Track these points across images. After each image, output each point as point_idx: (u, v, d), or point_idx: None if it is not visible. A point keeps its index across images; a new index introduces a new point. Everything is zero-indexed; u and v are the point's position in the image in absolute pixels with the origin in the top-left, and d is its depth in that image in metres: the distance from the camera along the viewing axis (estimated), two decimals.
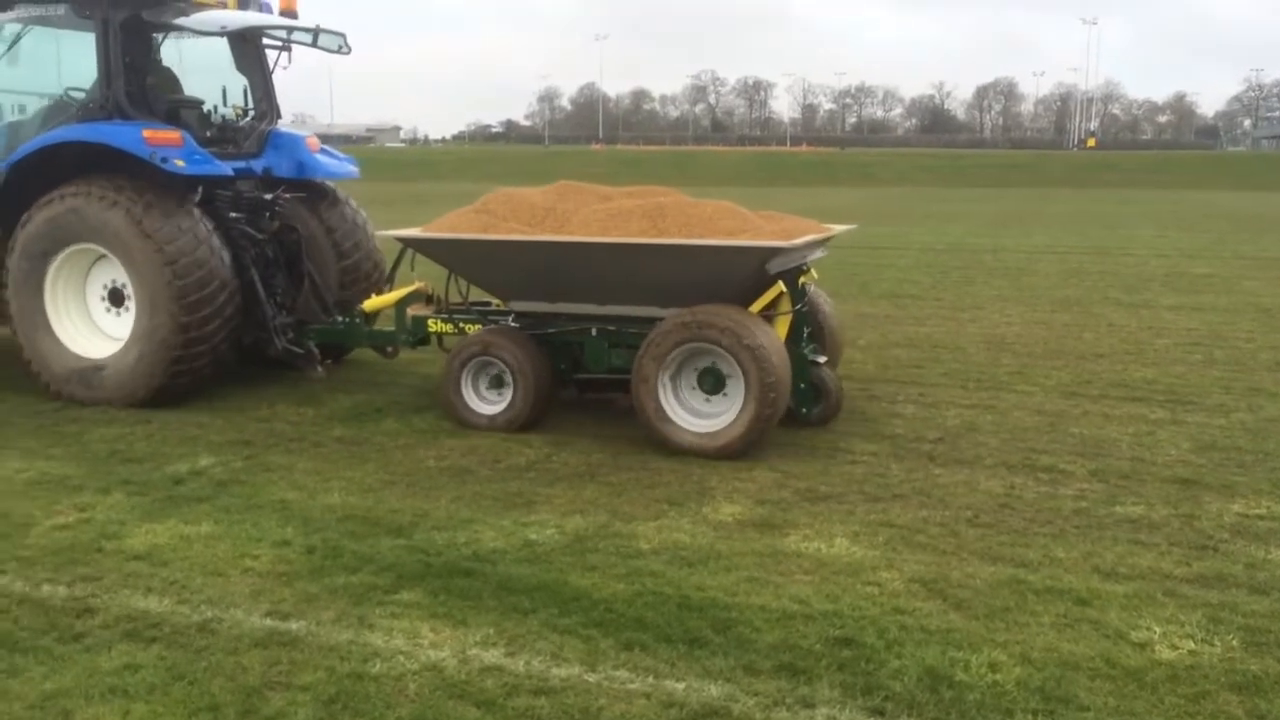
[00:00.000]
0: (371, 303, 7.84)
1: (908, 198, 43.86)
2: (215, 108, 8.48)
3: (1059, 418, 7.30)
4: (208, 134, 8.13)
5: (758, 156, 77.09)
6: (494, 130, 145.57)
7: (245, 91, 8.60)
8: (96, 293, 7.66)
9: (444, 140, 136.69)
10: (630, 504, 5.49)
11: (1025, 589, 4.46)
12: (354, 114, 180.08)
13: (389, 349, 7.95)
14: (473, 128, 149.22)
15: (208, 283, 7.21)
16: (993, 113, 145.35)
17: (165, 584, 4.42)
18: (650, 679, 3.69)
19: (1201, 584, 4.54)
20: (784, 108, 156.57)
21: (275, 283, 7.97)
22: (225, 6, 8.13)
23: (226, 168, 7.58)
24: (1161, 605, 4.32)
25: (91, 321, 7.68)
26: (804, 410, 6.86)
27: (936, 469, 6.14)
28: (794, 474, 6.00)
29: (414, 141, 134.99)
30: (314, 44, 8.35)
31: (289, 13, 8.48)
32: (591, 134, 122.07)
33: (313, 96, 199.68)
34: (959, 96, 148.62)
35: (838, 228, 7.67)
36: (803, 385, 6.78)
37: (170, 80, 8.30)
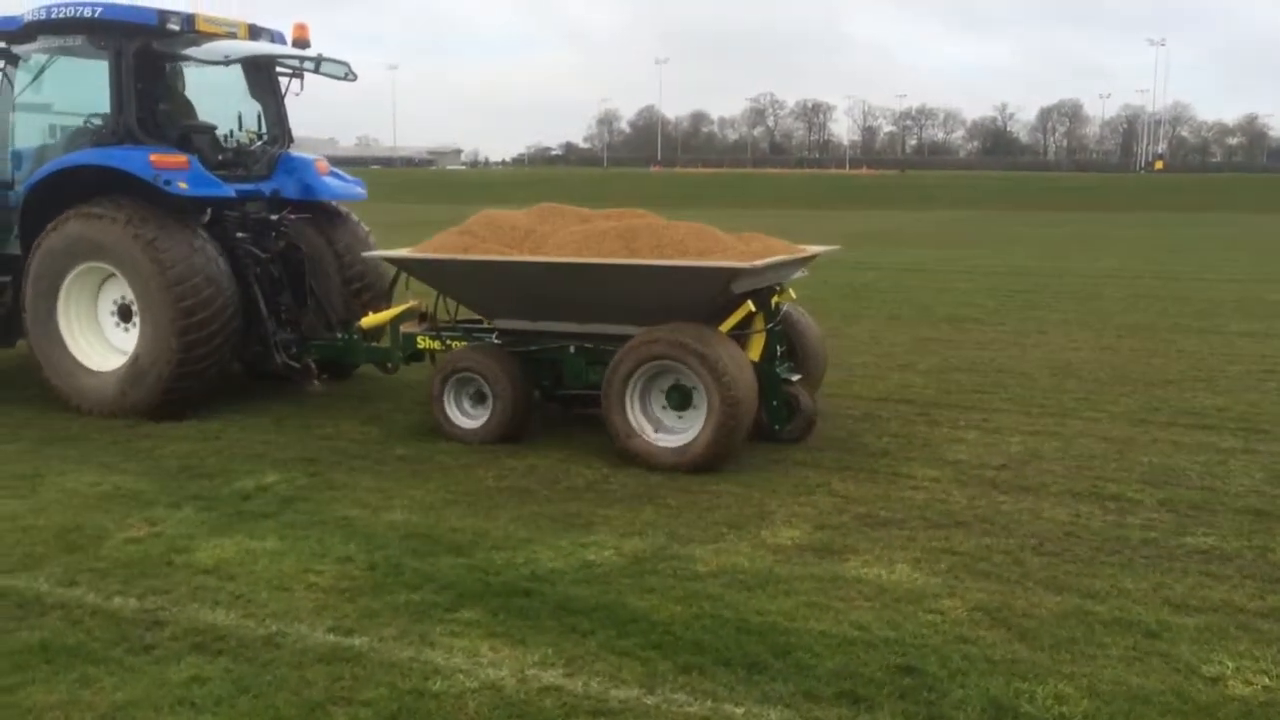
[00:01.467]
0: (368, 320, 8.07)
1: (969, 221, 43.39)
2: (231, 132, 8.81)
3: (1127, 445, 7.15)
4: (220, 158, 8.43)
5: (816, 179, 76.85)
6: (553, 153, 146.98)
7: (259, 117, 8.94)
8: (107, 309, 7.98)
9: (503, 163, 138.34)
10: (688, 526, 5.48)
11: (1092, 620, 4.37)
12: (417, 137, 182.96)
13: (389, 365, 8.16)
14: (532, 150, 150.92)
15: (209, 299, 7.49)
16: (1057, 135, 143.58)
17: (232, 598, 4.50)
18: (709, 702, 3.67)
19: (1276, 618, 4.41)
20: (843, 130, 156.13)
21: (279, 300, 8.28)
22: (235, 36, 8.42)
23: (230, 189, 7.88)
24: (1235, 639, 4.20)
25: (103, 336, 8.00)
26: (777, 426, 7.02)
27: (1000, 496, 6.04)
28: (854, 499, 5.95)
29: (474, 164, 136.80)
30: (316, 71, 8.66)
31: (301, 41, 8.75)
32: (650, 156, 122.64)
33: (377, 120, 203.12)
34: (1022, 119, 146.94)
35: (814, 249, 7.77)
36: (775, 403, 6.96)
37: (185, 106, 8.65)
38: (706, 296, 6.55)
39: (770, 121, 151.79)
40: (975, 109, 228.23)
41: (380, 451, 6.86)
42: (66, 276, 7.79)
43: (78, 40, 7.98)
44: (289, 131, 9.05)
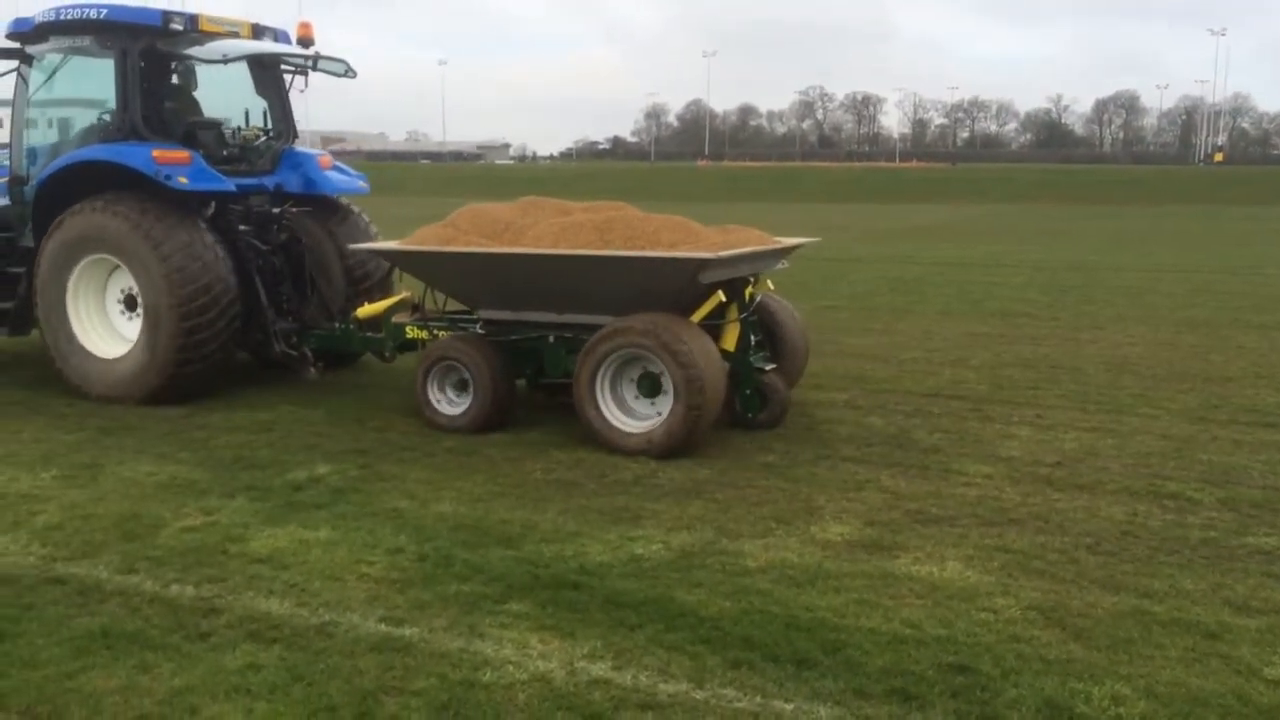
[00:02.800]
0: (364, 310, 8.24)
1: (1023, 214, 42.75)
2: (238, 129, 9.09)
3: (1186, 443, 7.01)
4: (225, 153, 8.72)
5: (866, 173, 76.17)
6: (601, 147, 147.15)
7: (265, 113, 9.20)
8: (114, 298, 8.26)
9: (551, 157, 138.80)
10: (736, 521, 5.46)
11: (1150, 620, 4.28)
12: (466, 132, 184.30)
13: (386, 354, 8.29)
14: (580, 144, 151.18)
15: (208, 289, 7.74)
16: (1113, 127, 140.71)
17: (286, 587, 4.56)
18: (758, 698, 3.65)
19: None
20: (894, 123, 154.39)
21: (280, 290, 8.52)
22: (238, 36, 8.62)
23: (230, 184, 8.11)
24: None
25: (110, 325, 8.28)
26: (750, 414, 7.20)
27: (1054, 494, 5.95)
28: (904, 495, 5.89)
29: (522, 159, 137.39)
30: (314, 69, 8.95)
31: (306, 40, 8.95)
32: (697, 150, 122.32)
33: (427, 115, 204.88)
34: (1077, 110, 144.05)
35: (792, 240, 7.92)
36: (748, 391, 7.16)
37: (191, 104, 8.93)
38: (675, 286, 6.69)
39: (819, 114, 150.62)
40: (1029, 101, 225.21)
41: (429, 444, 6.91)
42: (75, 268, 8.09)
43: (86, 40, 8.23)
44: (294, 127, 9.33)
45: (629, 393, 6.85)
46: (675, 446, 6.52)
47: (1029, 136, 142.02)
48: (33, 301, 8.31)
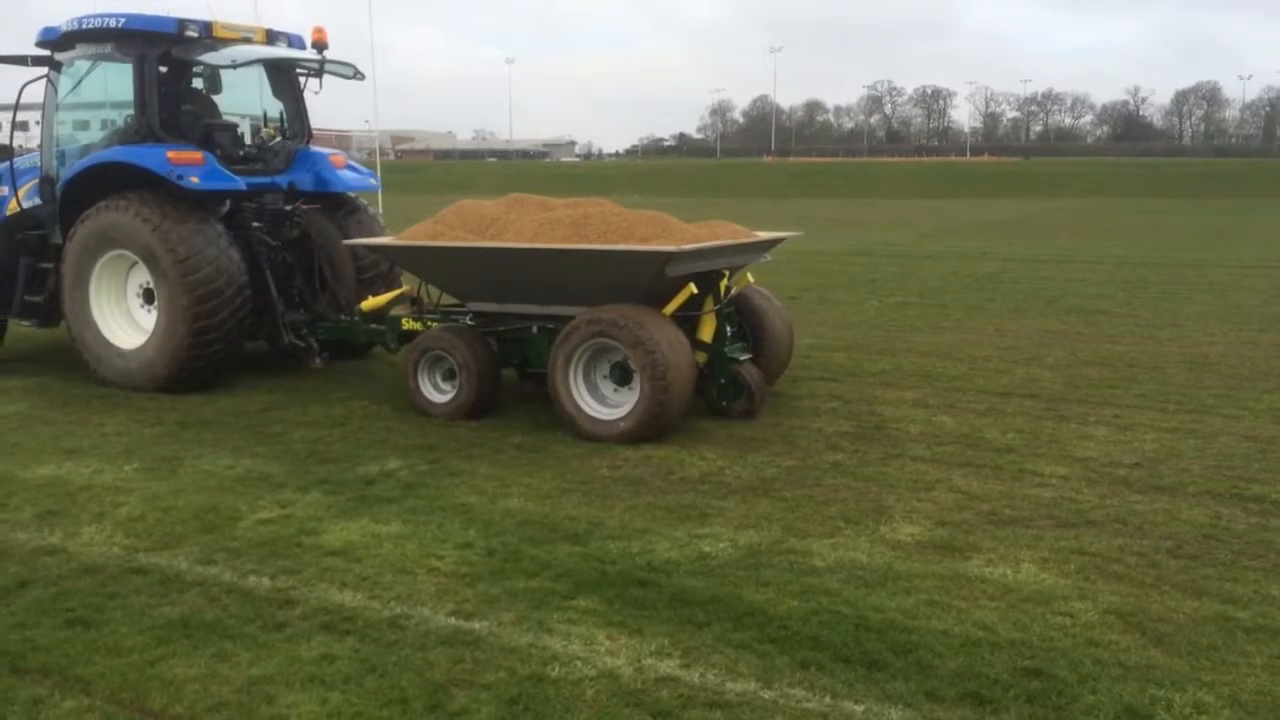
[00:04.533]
0: (368, 303, 8.55)
1: (1099, 209, 41.80)
2: (258, 129, 9.57)
3: (1270, 444, 6.78)
4: (240, 153, 9.16)
5: (935, 167, 75.05)
6: (666, 144, 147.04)
7: (280, 114, 9.60)
8: (134, 292, 8.67)
9: (616, 154, 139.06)
10: (804, 520, 5.41)
11: (1234, 626, 4.15)
12: (532, 130, 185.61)
13: (392, 345, 8.47)
14: (645, 142, 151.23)
15: (218, 283, 8.11)
16: (1193, 119, 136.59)
17: (358, 580, 4.64)
18: (828, 699, 3.62)
19: None
20: (964, 117, 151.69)
21: (292, 284, 8.89)
22: (251, 41, 8.94)
23: (241, 182, 8.48)
24: None
25: (130, 317, 8.69)
26: (724, 403, 7.41)
27: (1133, 495, 5.79)
28: (976, 495, 5.79)
29: (588, 156, 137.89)
30: (322, 72, 9.36)
31: (320, 44, 9.27)
32: (763, 146, 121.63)
33: (494, 113, 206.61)
34: (1156, 102, 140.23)
35: (769, 234, 8.17)
36: (723, 380, 7.37)
37: (208, 106, 9.33)
38: (645, 278, 6.91)
39: (887, 109, 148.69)
40: (1105, 93, 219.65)
41: (497, 440, 6.97)
42: (97, 263, 8.51)
43: (107, 48, 8.63)
44: (308, 127, 9.71)
45: (602, 382, 7.11)
46: (643, 433, 6.74)
47: (1105, 129, 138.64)
48: (60, 295, 8.76)
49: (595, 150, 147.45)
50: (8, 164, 9.33)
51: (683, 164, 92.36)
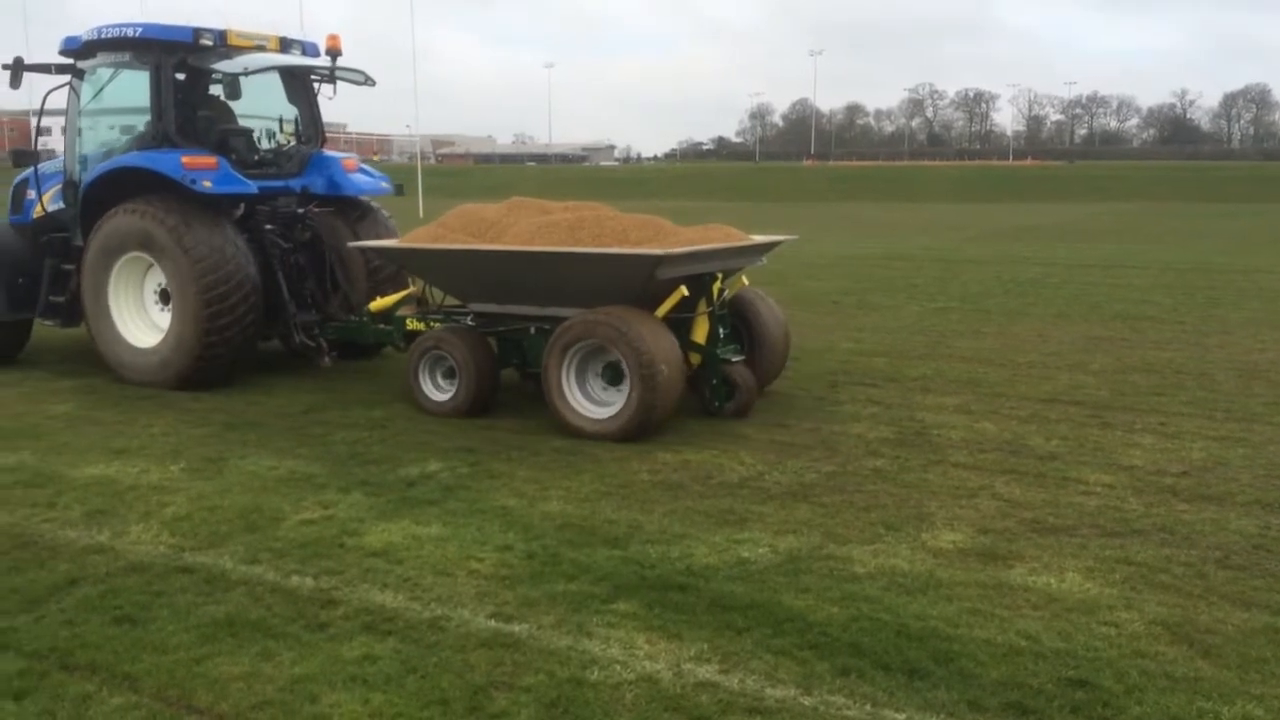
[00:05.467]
0: (377, 304, 8.77)
1: (1145, 213, 41.19)
2: (273, 134, 9.84)
3: None
4: (255, 157, 9.41)
5: (978, 171, 74.33)
6: (705, 148, 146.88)
7: (295, 120, 9.89)
8: (151, 292, 8.90)
9: (655, 158, 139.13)
10: (844, 526, 5.38)
11: None
12: (572, 134, 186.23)
13: (400, 344, 8.58)
14: (684, 145, 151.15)
15: (231, 284, 8.34)
16: (1242, 122, 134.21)
17: (399, 581, 4.67)
18: (868, 706, 3.59)
19: None
20: (1007, 120, 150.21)
21: (304, 285, 9.13)
22: (265, 49, 9.17)
23: (252, 186, 8.71)
24: None
25: (148, 317, 8.92)
26: (716, 404, 7.56)
27: (1180, 504, 5.70)
28: (1019, 503, 5.72)
29: (627, 160, 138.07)
30: (333, 79, 9.66)
31: (334, 51, 9.56)
32: (803, 150, 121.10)
33: (533, 119, 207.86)
34: (1203, 105, 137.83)
35: (764, 238, 8.24)
36: (715, 381, 7.53)
37: (225, 112, 9.53)
38: (636, 281, 7.05)
39: (929, 112, 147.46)
40: (1151, 96, 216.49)
41: (536, 443, 6.99)
42: (115, 265, 8.75)
43: (126, 56, 8.90)
44: (322, 131, 10.00)
45: (595, 382, 7.27)
46: (634, 431, 6.89)
47: (1152, 133, 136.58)
48: (80, 295, 9.02)
49: (634, 154, 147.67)
50: (33, 169, 9.64)
51: (721, 167, 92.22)
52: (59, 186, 9.43)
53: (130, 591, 4.56)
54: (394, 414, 7.83)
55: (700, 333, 7.49)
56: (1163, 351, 10.31)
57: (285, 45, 9.35)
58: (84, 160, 9.25)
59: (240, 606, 4.40)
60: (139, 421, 7.60)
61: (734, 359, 7.68)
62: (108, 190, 8.76)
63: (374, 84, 9.82)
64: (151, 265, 8.67)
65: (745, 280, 8.22)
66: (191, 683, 3.76)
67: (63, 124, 9.42)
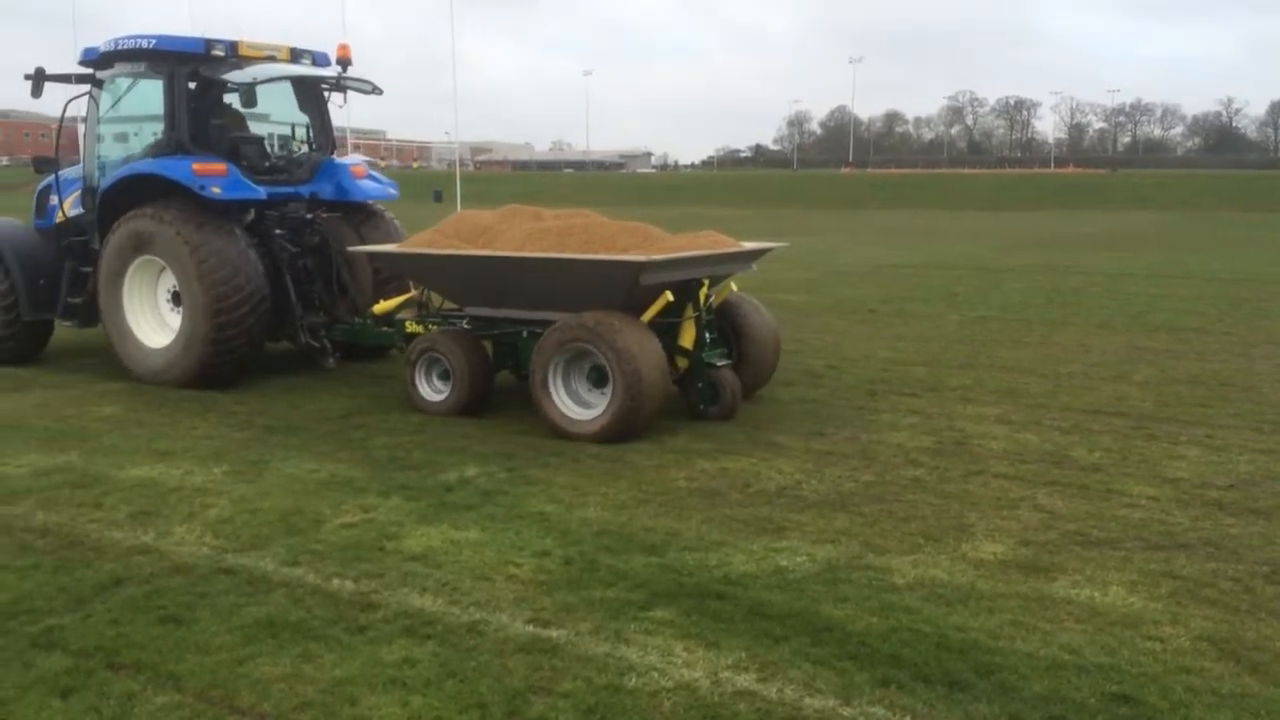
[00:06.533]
0: (380, 306, 9.04)
1: (1190, 222, 40.59)
2: (285, 141, 10.19)
3: None
4: (266, 164, 9.69)
5: (1018, 179, 73.60)
6: (742, 155, 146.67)
7: (307, 128, 10.17)
8: (164, 294, 9.16)
9: (692, 165, 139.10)
10: (883, 536, 5.34)
11: None
12: (609, 141, 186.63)
13: (402, 345, 8.72)
14: (721, 153, 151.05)
15: (237, 287, 8.58)
16: None
17: (438, 585, 4.70)
18: (908, 718, 3.56)
19: None
20: (1048, 128, 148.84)
21: (312, 288, 9.43)
22: (276, 59, 9.40)
23: (261, 192, 9.00)
24: None
25: (160, 318, 9.20)
26: (702, 406, 7.72)
27: (1227, 518, 5.61)
28: (1062, 515, 5.65)
29: (664, 167, 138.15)
30: (337, 88, 9.97)
31: (344, 60, 9.89)
32: (841, 158, 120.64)
33: (571, 126, 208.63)
34: (1250, 113, 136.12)
35: (758, 245, 8.37)
36: (700, 385, 7.70)
37: (238, 121, 9.86)
38: (621, 286, 7.19)
39: (969, 120, 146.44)
40: (1196, 104, 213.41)
41: (574, 449, 7.00)
42: (129, 268, 9.04)
43: (141, 66, 9.17)
44: (333, 139, 10.25)
45: (581, 383, 7.42)
46: (618, 431, 7.04)
47: (1197, 141, 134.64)
48: (97, 297, 9.31)
49: (671, 161, 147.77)
50: (54, 176, 9.96)
51: (759, 175, 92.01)
52: (79, 192, 9.75)
53: (174, 592, 4.62)
54: (432, 419, 7.88)
55: (687, 337, 7.64)
56: (1208, 363, 10.14)
57: (295, 55, 9.64)
58: (102, 166, 9.55)
59: (281, 608, 4.45)
60: (183, 424, 7.71)
61: (720, 363, 7.80)
62: (124, 196, 9.06)
63: (380, 93, 10.12)
64: (164, 269, 8.92)
65: (734, 286, 8.34)
66: (234, 683, 3.81)
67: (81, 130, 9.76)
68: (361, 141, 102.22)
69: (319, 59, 9.82)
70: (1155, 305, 14.51)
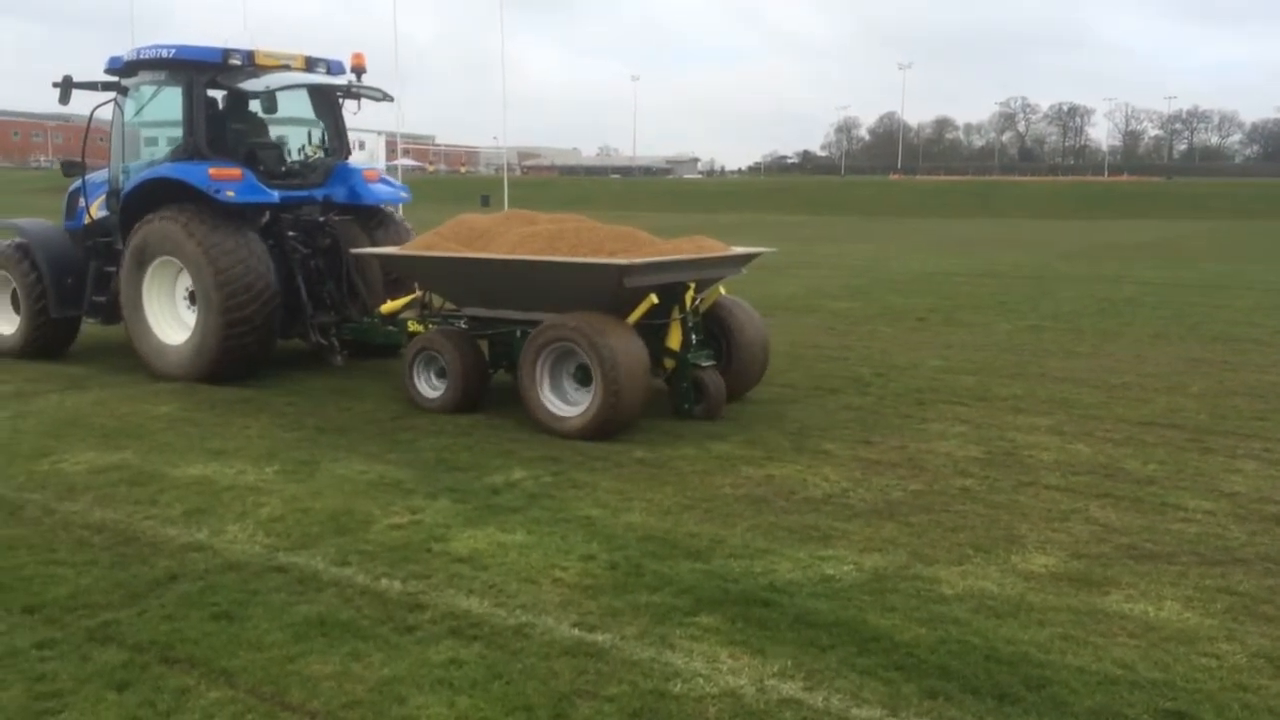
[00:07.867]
0: (387, 306, 9.30)
1: (1248, 231, 39.77)
2: (302, 146, 10.54)
3: None
4: (282, 169, 10.05)
5: (1070, 187, 72.53)
6: (789, 161, 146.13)
7: (323, 133, 10.54)
8: (182, 294, 9.49)
9: (739, 171, 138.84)
10: (931, 546, 5.29)
11: None
12: (656, 146, 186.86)
13: (406, 344, 8.86)
14: (768, 159, 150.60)
15: (249, 287, 8.89)
16: None
17: (485, 587, 4.73)
18: None
19: None
20: (1102, 135, 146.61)
21: (323, 288, 9.76)
22: (290, 68, 9.71)
23: (274, 196, 9.31)
24: None
25: (178, 316, 9.51)
26: (686, 406, 7.92)
27: None
28: (1115, 528, 5.56)
29: (710, 173, 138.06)
30: (349, 96, 10.27)
31: (358, 69, 10.23)
32: (889, 164, 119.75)
33: (618, 132, 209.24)
34: None
35: (746, 249, 8.58)
36: (685, 385, 7.90)
37: (257, 126, 10.30)
38: (606, 289, 7.41)
39: (1020, 126, 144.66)
40: (1255, 111, 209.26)
41: (619, 454, 7.02)
42: (149, 268, 9.37)
43: (162, 75, 9.59)
44: (347, 144, 10.65)
45: (567, 382, 7.66)
46: (601, 428, 7.26)
47: (1255, 149, 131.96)
48: (119, 296, 9.65)
49: (718, 167, 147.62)
50: (82, 179, 10.34)
51: (806, 181, 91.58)
52: (105, 195, 10.11)
53: (227, 589, 4.70)
54: (479, 422, 7.94)
55: (673, 339, 7.84)
56: (1266, 375, 9.93)
57: (310, 64, 9.96)
58: (126, 171, 9.88)
59: (331, 607, 4.50)
60: (235, 424, 7.84)
61: (705, 364, 7.97)
62: (145, 199, 9.41)
63: (391, 99, 10.50)
64: (181, 269, 9.22)
65: (722, 289, 8.51)
66: (285, 680, 3.86)
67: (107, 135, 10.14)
68: (411, 146, 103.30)
69: (334, 67, 10.18)
70: (1211, 316, 14.24)
